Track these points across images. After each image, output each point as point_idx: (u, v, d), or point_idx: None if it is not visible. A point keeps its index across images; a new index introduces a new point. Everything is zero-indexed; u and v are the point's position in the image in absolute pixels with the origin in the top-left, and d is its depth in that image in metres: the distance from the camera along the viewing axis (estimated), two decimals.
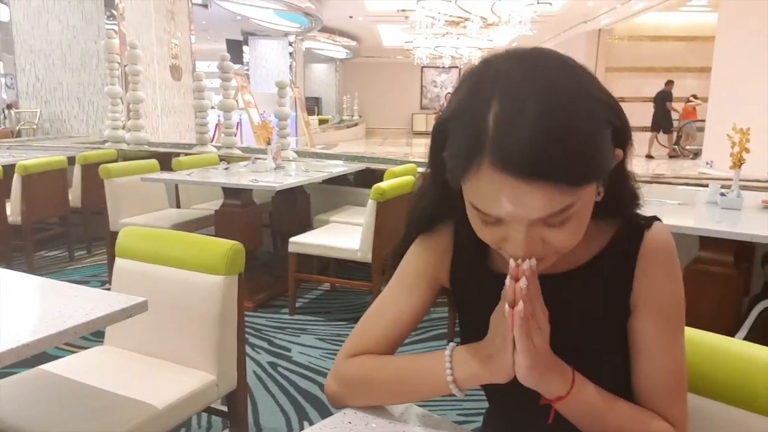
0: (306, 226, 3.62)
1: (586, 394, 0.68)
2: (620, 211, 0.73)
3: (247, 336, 2.88)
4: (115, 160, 4.23)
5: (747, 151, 2.36)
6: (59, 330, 1.10)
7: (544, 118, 0.55)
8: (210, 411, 1.65)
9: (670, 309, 0.71)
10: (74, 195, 4.25)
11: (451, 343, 0.73)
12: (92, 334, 2.57)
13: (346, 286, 3.58)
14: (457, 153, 0.61)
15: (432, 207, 0.78)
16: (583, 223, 0.63)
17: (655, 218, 0.73)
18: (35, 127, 6.20)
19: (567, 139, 0.55)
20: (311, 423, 2.14)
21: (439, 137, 0.65)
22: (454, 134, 0.62)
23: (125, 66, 4.92)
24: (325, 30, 14.48)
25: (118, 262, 1.67)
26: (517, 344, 0.64)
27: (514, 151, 0.55)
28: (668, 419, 0.71)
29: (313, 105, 17.97)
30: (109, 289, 1.67)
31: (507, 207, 0.58)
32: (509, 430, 0.83)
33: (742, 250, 2.20)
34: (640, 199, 0.74)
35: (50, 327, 1.10)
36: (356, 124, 17.96)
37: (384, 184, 2.94)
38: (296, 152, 4.70)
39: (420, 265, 0.80)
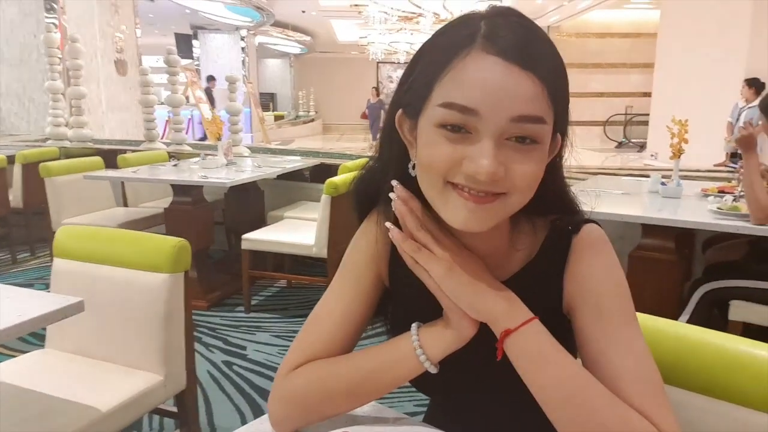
0: (260, 222, 3.57)
1: (540, 338, 0.62)
2: (552, 208, 0.71)
3: (200, 335, 2.82)
4: (57, 158, 4.07)
5: (686, 141, 2.45)
6: None
7: (531, 26, 0.60)
8: (159, 412, 1.61)
9: (609, 301, 0.66)
10: (15, 195, 4.07)
11: (415, 323, 0.69)
12: (34, 338, 2.48)
13: (303, 282, 3.55)
14: (441, 50, 0.60)
15: (373, 185, 0.73)
16: (539, 172, 0.60)
17: (588, 221, 0.71)
18: None
19: (550, 47, 0.60)
20: None
21: (407, 72, 0.65)
22: (433, 48, 0.62)
23: (66, 61, 4.73)
24: (278, 25, 14.27)
25: (57, 262, 1.60)
26: (419, 260, 0.65)
27: (508, 40, 0.57)
28: (652, 423, 0.61)
29: (267, 101, 17.71)
30: None
31: (494, 90, 0.56)
32: (450, 419, 0.80)
33: (683, 236, 2.29)
34: (573, 201, 0.72)
35: None
36: (312, 120, 17.81)
37: (337, 179, 2.92)
38: (250, 148, 4.63)
39: (363, 258, 0.75)
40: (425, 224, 0.66)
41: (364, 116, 14.13)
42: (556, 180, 0.69)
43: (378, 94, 13.17)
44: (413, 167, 0.66)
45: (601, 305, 0.66)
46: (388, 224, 0.67)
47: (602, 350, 0.65)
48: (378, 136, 0.73)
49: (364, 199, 0.77)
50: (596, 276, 0.68)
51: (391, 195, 0.66)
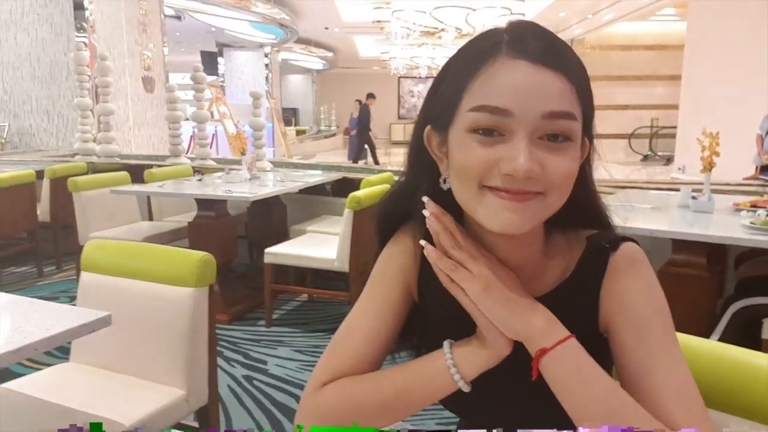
0: (282, 236, 3.57)
1: (577, 357, 0.61)
2: (584, 218, 0.70)
3: (221, 349, 2.83)
4: (85, 173, 4.14)
5: (717, 154, 2.39)
6: (18, 347, 1.05)
7: (551, 33, 0.62)
8: (180, 427, 1.60)
9: (649, 320, 0.65)
10: (43, 209, 4.15)
11: (447, 341, 0.68)
12: (58, 351, 2.51)
13: (324, 297, 3.54)
14: (468, 61, 0.62)
15: (402, 203, 0.73)
16: (574, 169, 0.61)
17: (625, 239, 0.69)
18: (4, 141, 6.05)
19: (572, 51, 0.62)
20: None
21: (433, 88, 0.67)
22: (459, 61, 0.64)
23: (95, 78, 4.84)
24: (301, 41, 14.46)
25: (84, 276, 1.62)
26: (455, 279, 0.64)
27: (532, 45, 0.59)
28: None
29: (290, 116, 17.88)
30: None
31: (525, 89, 0.57)
32: None
33: (715, 252, 2.23)
34: (604, 211, 0.72)
35: (9, 343, 1.06)
36: (334, 135, 17.92)
37: (360, 193, 2.92)
38: (272, 162, 4.66)
39: (392, 271, 0.74)
40: (460, 241, 0.65)
41: (346, 132, 13.15)
42: (586, 187, 0.69)
43: None
44: (444, 181, 0.66)
45: (642, 324, 0.65)
46: (422, 242, 0.66)
47: (643, 369, 0.63)
48: (406, 154, 0.73)
49: (390, 222, 0.76)
50: (636, 294, 0.66)
51: (424, 212, 0.66)
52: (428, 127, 0.67)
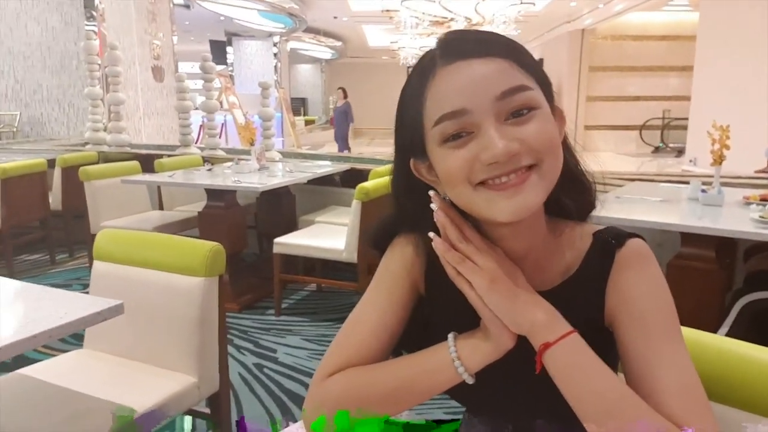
0: (291, 226, 3.59)
1: (579, 352, 0.62)
2: (567, 187, 0.70)
3: (232, 338, 2.86)
4: (96, 162, 4.18)
5: (727, 147, 2.37)
6: (32, 334, 1.08)
7: (478, 30, 0.66)
8: (192, 413, 1.63)
9: (654, 316, 0.65)
10: (55, 198, 4.20)
11: (451, 333, 0.69)
12: (72, 338, 2.55)
13: (333, 287, 3.55)
14: (414, 87, 0.65)
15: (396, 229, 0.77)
16: (552, 130, 0.63)
17: (632, 235, 0.70)
18: (15, 130, 6.11)
19: (502, 36, 0.65)
20: None
21: (397, 123, 0.70)
22: (408, 90, 0.67)
23: (105, 68, 4.86)
24: (310, 30, 14.41)
25: (97, 265, 1.65)
26: (462, 271, 0.65)
27: (461, 45, 0.63)
28: None
29: (299, 106, 17.87)
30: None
31: (469, 85, 0.60)
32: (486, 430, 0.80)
33: (724, 245, 2.22)
34: (584, 175, 0.73)
35: (23, 331, 1.08)
36: None
37: (368, 184, 2.93)
38: (281, 153, 4.67)
39: (399, 265, 0.75)
40: (467, 234, 0.66)
41: (332, 122, 12.83)
42: (567, 152, 0.70)
43: (345, 96, 11.83)
44: (444, 198, 0.68)
45: (646, 320, 0.66)
46: (431, 234, 0.67)
47: (646, 364, 0.64)
48: (392, 192, 0.76)
49: (386, 240, 0.79)
50: (641, 290, 0.67)
51: (432, 206, 0.67)
52: (412, 160, 0.69)
